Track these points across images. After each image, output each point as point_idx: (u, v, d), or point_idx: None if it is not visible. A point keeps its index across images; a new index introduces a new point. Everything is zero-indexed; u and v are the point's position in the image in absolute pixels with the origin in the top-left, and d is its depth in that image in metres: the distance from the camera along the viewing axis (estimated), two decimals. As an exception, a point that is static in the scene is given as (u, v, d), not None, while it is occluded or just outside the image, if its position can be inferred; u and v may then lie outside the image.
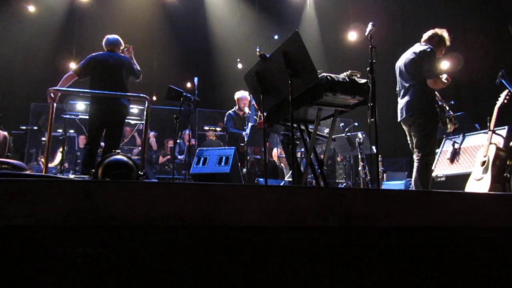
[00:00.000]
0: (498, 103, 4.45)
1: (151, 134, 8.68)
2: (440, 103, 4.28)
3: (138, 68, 5.38)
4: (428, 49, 4.22)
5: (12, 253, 1.15)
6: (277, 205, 1.32)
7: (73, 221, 1.17)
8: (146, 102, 4.57)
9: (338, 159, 8.83)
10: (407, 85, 4.31)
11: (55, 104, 4.36)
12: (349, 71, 3.08)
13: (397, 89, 4.51)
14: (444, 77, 4.22)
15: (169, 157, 8.97)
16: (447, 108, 4.30)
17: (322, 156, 3.51)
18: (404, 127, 4.43)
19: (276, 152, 6.90)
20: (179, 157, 8.46)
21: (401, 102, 4.36)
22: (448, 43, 4.47)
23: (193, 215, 1.26)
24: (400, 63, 4.45)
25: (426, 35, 4.50)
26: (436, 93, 4.33)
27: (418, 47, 4.34)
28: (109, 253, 1.20)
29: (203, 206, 1.28)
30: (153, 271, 1.24)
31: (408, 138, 4.42)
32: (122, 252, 1.22)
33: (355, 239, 1.44)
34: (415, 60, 4.25)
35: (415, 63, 4.24)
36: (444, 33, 4.47)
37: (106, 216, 1.19)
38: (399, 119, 4.40)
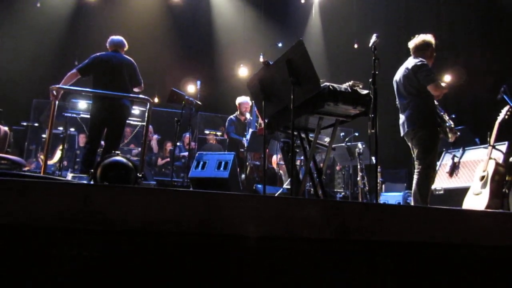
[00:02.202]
0: (499, 119, 4.45)
1: (154, 137, 8.68)
2: (441, 113, 4.27)
3: (140, 78, 5.37)
4: (419, 63, 4.20)
5: (7, 254, 1.15)
6: (274, 216, 1.32)
7: (70, 224, 1.17)
8: (148, 104, 4.57)
9: (337, 168, 8.82)
10: (405, 101, 4.29)
11: (57, 102, 4.36)
12: (352, 81, 3.09)
13: (397, 104, 4.50)
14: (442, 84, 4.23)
15: (168, 160, 8.96)
16: (447, 118, 4.29)
17: (321, 165, 3.51)
18: (407, 141, 4.40)
19: (275, 159, 6.90)
20: (182, 153, 8.44)
21: (402, 117, 4.34)
22: (433, 44, 4.42)
23: (191, 221, 1.26)
24: (397, 78, 4.43)
25: (415, 45, 4.40)
26: (437, 103, 4.32)
27: (410, 62, 4.31)
28: (105, 256, 1.20)
29: (201, 213, 1.28)
30: (149, 276, 1.24)
31: (412, 152, 4.39)
32: (118, 256, 1.22)
33: (350, 251, 1.44)
34: (408, 76, 4.23)
35: (409, 78, 4.22)
36: (432, 39, 4.42)
37: (103, 220, 1.19)
38: (402, 134, 4.38)
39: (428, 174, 4.13)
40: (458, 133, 4.27)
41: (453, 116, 6.30)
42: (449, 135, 4.19)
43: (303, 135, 3.48)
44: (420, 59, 4.26)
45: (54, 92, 4.42)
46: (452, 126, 4.23)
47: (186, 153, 7.87)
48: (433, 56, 4.41)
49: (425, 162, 4.12)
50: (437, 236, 1.51)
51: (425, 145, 4.15)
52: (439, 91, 4.14)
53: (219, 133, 8.83)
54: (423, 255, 1.51)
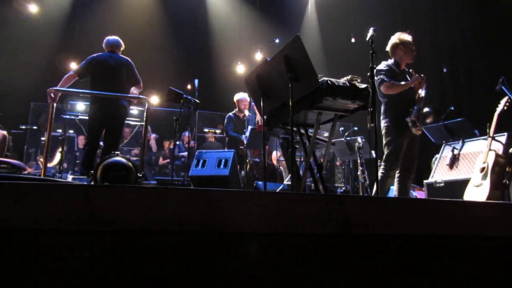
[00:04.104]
0: (498, 110, 4.44)
1: (152, 136, 8.67)
2: (411, 110, 4.31)
3: (139, 77, 5.36)
4: (379, 66, 4.40)
5: (8, 256, 1.15)
6: (276, 211, 1.32)
7: (71, 225, 1.16)
8: (146, 103, 4.57)
9: (337, 163, 8.82)
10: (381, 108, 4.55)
11: (55, 104, 4.35)
12: (350, 75, 3.08)
13: None
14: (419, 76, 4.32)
15: (168, 160, 8.96)
16: (414, 111, 4.30)
17: (321, 160, 3.50)
18: None
19: (275, 155, 6.90)
20: (181, 153, 8.43)
21: None
22: (409, 39, 4.49)
23: (192, 220, 1.26)
24: None
25: (388, 47, 4.58)
26: (421, 94, 4.35)
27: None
28: (106, 257, 1.20)
29: (202, 211, 1.27)
30: (151, 275, 1.24)
31: None
32: (120, 256, 1.22)
33: (353, 246, 1.44)
34: (376, 80, 4.40)
35: (376, 82, 4.40)
36: (402, 36, 4.52)
37: (104, 220, 1.18)
38: None
39: (384, 168, 4.30)
40: (418, 126, 4.30)
41: (452, 108, 6.29)
42: (413, 130, 4.28)
43: (302, 131, 3.47)
44: (390, 61, 4.46)
45: (52, 95, 4.41)
46: (415, 120, 4.24)
47: (185, 153, 7.86)
48: (407, 52, 4.48)
49: (384, 157, 4.35)
50: (439, 228, 1.51)
51: (385, 143, 4.38)
52: (391, 90, 4.27)
53: (218, 131, 8.83)
54: (426, 247, 1.51)
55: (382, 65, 4.42)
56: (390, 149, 4.28)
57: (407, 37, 4.50)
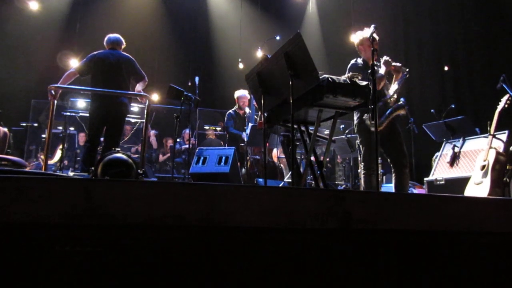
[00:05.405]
0: (499, 108, 4.44)
1: (152, 132, 8.67)
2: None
3: (142, 72, 5.36)
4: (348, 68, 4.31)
5: (9, 251, 1.15)
6: (276, 207, 1.32)
7: (72, 220, 1.16)
8: (147, 101, 4.57)
9: (338, 160, 8.82)
10: None
11: (55, 101, 4.36)
12: (351, 73, 3.08)
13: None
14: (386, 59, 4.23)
15: (169, 155, 8.95)
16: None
17: (322, 158, 3.50)
18: None
19: (275, 152, 6.89)
20: (183, 146, 8.43)
21: None
22: (367, 35, 4.19)
23: (193, 215, 1.26)
24: None
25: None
26: (389, 91, 4.30)
27: None
28: (107, 252, 1.20)
29: (202, 206, 1.27)
30: (152, 270, 1.24)
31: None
32: (120, 251, 1.22)
33: (354, 241, 1.44)
34: None
35: None
36: (360, 34, 4.42)
37: (105, 215, 1.19)
38: None
39: (364, 168, 4.30)
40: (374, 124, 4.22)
41: (452, 106, 6.30)
42: (371, 129, 4.19)
43: (303, 128, 3.47)
44: (359, 59, 4.40)
45: (53, 92, 4.41)
46: (369, 117, 4.19)
47: (186, 146, 7.85)
48: (368, 49, 4.26)
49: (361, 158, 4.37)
50: (439, 223, 1.51)
51: (360, 145, 4.36)
52: (378, 85, 4.13)
53: (218, 128, 8.84)
54: (426, 243, 1.51)
55: (349, 68, 4.32)
56: (364, 149, 4.27)
57: (366, 33, 4.31)
